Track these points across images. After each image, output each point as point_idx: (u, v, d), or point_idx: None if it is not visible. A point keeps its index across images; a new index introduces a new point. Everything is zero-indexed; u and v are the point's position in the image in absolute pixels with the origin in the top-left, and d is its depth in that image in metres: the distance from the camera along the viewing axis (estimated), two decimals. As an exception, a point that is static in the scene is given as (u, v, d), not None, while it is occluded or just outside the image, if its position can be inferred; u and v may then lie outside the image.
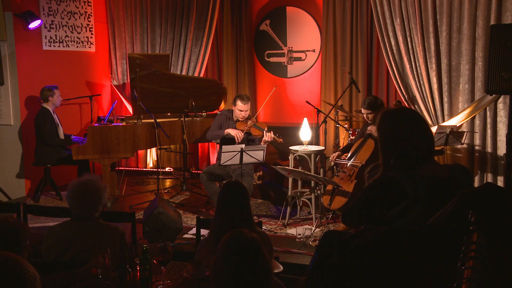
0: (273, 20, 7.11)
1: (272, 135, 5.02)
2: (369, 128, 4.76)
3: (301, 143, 5.16)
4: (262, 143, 5.09)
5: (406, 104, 5.87)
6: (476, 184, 5.66)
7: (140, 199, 6.01)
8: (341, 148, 5.30)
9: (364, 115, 4.78)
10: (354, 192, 4.42)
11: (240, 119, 5.24)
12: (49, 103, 5.87)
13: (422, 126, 2.21)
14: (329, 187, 4.78)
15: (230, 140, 5.22)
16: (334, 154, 5.03)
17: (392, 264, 1.58)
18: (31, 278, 1.72)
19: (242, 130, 5.15)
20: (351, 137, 5.58)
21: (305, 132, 5.15)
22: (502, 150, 5.41)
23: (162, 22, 7.13)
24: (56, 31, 6.62)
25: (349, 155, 4.82)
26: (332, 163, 5.06)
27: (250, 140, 5.30)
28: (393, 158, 2.14)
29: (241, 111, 5.18)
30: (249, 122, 5.20)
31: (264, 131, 5.11)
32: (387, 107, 4.88)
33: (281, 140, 5.09)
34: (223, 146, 4.81)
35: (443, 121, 5.69)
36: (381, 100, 4.85)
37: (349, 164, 4.69)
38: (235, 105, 5.22)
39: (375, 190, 2.14)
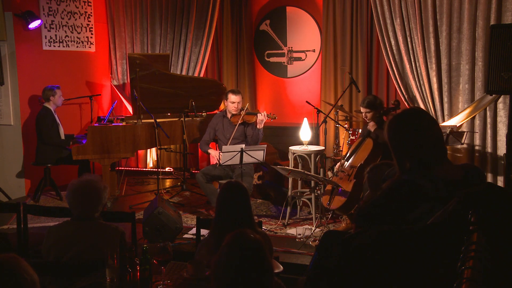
0: (273, 20, 7.11)
1: (266, 114, 5.17)
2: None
3: (301, 143, 5.17)
4: (257, 125, 5.19)
5: (406, 104, 5.87)
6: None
7: (140, 199, 6.01)
8: (344, 156, 5.26)
9: (363, 114, 4.77)
10: (353, 192, 4.42)
11: (234, 112, 5.33)
12: (50, 103, 5.89)
13: (435, 126, 2.17)
14: (329, 186, 4.78)
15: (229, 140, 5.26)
16: (337, 165, 4.98)
17: (393, 264, 1.58)
18: (29, 285, 1.65)
19: (237, 122, 5.25)
20: (351, 137, 5.57)
21: (305, 132, 5.15)
22: (502, 150, 5.40)
23: (162, 22, 7.13)
24: (56, 31, 6.62)
25: (348, 154, 4.81)
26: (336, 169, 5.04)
27: (247, 128, 5.35)
28: (409, 162, 2.12)
29: (233, 102, 5.30)
30: (242, 112, 5.32)
31: (257, 113, 5.21)
32: (386, 106, 4.84)
33: (275, 117, 5.21)
34: (223, 146, 4.84)
35: (443, 121, 5.69)
36: (380, 100, 4.84)
37: (347, 164, 4.69)
38: (227, 99, 5.36)
39: (394, 192, 2.11)
